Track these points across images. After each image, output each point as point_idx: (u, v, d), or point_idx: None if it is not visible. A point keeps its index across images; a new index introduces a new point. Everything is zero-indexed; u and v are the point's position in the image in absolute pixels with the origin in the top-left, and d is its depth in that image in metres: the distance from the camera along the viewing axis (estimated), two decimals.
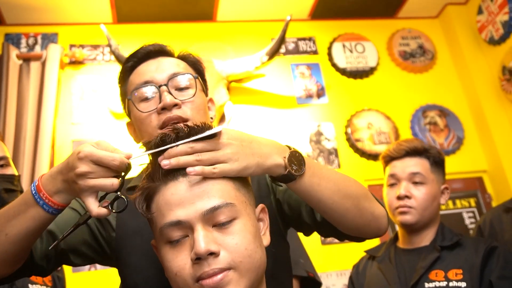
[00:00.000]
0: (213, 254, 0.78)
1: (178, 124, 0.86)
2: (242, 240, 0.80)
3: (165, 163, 0.81)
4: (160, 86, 1.08)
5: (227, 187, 0.84)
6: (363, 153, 3.13)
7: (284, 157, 0.87)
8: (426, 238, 1.66)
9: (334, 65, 3.38)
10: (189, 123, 0.92)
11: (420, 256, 1.61)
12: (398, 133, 3.22)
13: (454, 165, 3.21)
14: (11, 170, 1.54)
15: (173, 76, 1.10)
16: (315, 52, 3.42)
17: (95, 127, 2.95)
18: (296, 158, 0.88)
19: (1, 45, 2.91)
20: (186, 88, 1.11)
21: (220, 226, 0.81)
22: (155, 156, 0.84)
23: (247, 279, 0.80)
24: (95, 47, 3.16)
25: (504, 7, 3.13)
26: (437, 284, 1.51)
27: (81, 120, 2.95)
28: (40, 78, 2.89)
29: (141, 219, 0.94)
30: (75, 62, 3.07)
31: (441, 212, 3.11)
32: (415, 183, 1.66)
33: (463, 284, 1.47)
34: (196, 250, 0.77)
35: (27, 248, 0.93)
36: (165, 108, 1.06)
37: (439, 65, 3.53)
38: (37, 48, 3.06)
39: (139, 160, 0.88)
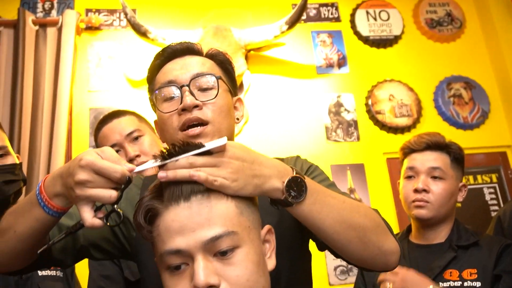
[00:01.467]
0: (213, 286, 0.75)
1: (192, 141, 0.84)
2: (243, 272, 0.78)
3: (161, 175, 0.79)
4: (182, 86, 1.06)
5: (229, 213, 0.80)
6: (383, 126, 3.06)
7: (283, 182, 0.84)
8: (441, 235, 1.62)
9: (356, 33, 3.26)
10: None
11: (435, 253, 1.58)
12: (420, 106, 3.12)
13: (477, 140, 3.13)
14: (11, 159, 1.52)
15: (196, 76, 1.07)
16: (337, 19, 3.30)
17: (112, 95, 2.93)
18: (296, 184, 0.85)
19: (16, 10, 2.86)
20: (209, 88, 1.08)
21: (221, 255, 0.78)
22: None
23: None
24: (112, 12, 3.09)
25: None
26: (452, 283, 1.49)
27: (98, 87, 2.93)
28: (56, 44, 2.85)
29: None
30: (92, 28, 3.02)
31: None
32: (434, 177, 1.62)
33: (478, 283, 1.46)
34: (195, 283, 0.75)
35: (35, 246, 0.94)
36: (185, 109, 1.04)
37: (467, 35, 3.37)
38: (53, 13, 3.01)
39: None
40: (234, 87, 1.19)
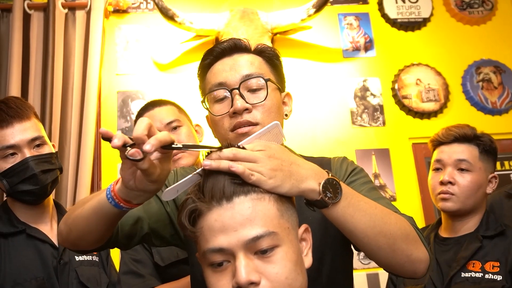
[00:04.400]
0: (254, 283, 0.79)
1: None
2: (282, 270, 0.81)
3: (206, 163, 0.84)
4: (232, 89, 1.10)
5: (270, 214, 0.84)
6: (409, 111, 3.04)
7: (320, 183, 0.88)
8: (469, 226, 1.63)
9: (384, 15, 3.21)
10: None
11: (462, 244, 1.59)
12: (448, 90, 3.08)
13: (505, 125, 3.09)
14: (48, 149, 1.56)
15: (246, 78, 1.11)
16: (364, 2, 3.25)
17: (139, 78, 2.96)
18: (332, 186, 0.89)
19: None
20: (259, 89, 1.12)
21: (261, 254, 0.82)
22: (205, 176, 0.86)
23: None
24: None
25: None
26: (473, 274, 1.51)
27: (126, 71, 2.97)
28: (85, 27, 2.89)
29: None
30: (119, 11, 3.04)
31: None
32: (461, 170, 1.62)
33: (499, 277, 1.47)
34: (237, 280, 0.78)
35: (109, 231, 0.99)
36: (236, 113, 1.09)
37: (498, 17, 3.29)
38: None
39: None
40: (282, 83, 1.23)
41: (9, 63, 2.74)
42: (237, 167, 0.82)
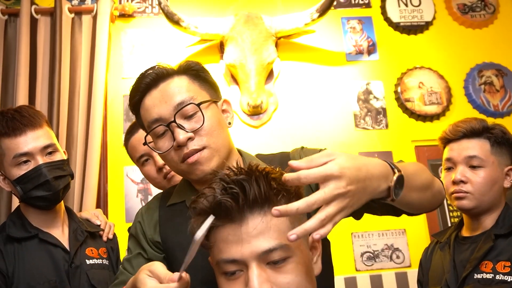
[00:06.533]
0: None
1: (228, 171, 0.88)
2: (293, 279, 0.84)
3: (292, 238, 0.74)
4: (169, 123, 1.10)
5: (283, 227, 0.86)
6: (412, 114, 3.07)
7: (390, 185, 0.88)
8: (486, 224, 1.57)
9: (387, 19, 3.24)
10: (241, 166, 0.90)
11: (478, 244, 1.54)
12: (450, 93, 3.11)
13: (507, 128, 3.10)
14: (60, 156, 1.59)
15: (178, 109, 1.10)
16: (367, 5, 3.28)
17: None
18: (399, 182, 0.90)
19: None
20: (194, 113, 1.11)
21: (273, 264, 0.84)
22: (212, 189, 0.86)
23: None
24: None
25: None
26: (485, 275, 1.45)
27: (132, 74, 3.00)
28: (91, 32, 2.92)
29: (181, 234, 1.08)
30: (125, 15, 3.08)
31: None
32: (473, 166, 1.56)
33: (510, 278, 1.41)
34: None
35: None
36: (180, 145, 1.09)
37: (500, 20, 3.32)
38: (88, 1, 3.07)
39: None
40: (217, 91, 1.21)
41: (17, 67, 2.78)
42: (326, 231, 0.75)
